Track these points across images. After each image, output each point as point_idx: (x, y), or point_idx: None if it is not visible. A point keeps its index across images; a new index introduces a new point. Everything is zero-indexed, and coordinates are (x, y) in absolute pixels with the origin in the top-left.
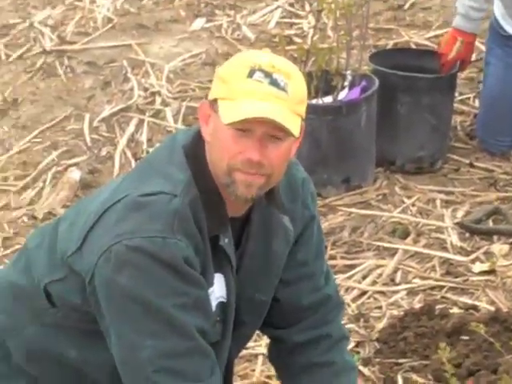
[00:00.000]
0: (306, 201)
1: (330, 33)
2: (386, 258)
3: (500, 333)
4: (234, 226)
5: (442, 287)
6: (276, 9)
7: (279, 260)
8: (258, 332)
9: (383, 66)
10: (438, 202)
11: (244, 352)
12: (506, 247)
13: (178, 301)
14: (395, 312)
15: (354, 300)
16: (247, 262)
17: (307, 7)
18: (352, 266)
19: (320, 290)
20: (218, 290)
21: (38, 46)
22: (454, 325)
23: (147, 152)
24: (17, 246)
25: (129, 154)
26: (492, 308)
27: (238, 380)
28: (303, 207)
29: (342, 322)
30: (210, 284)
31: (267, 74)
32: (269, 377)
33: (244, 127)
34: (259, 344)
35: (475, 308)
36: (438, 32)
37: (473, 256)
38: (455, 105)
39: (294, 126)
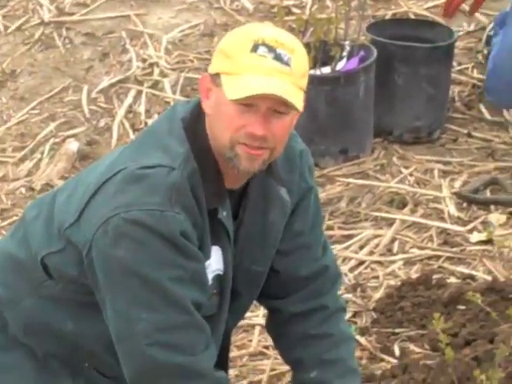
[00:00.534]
0: (303, 172)
1: (328, 3)
2: (384, 228)
3: (497, 302)
4: (231, 199)
5: (439, 257)
6: None
7: (276, 231)
8: (255, 303)
9: (381, 37)
10: (435, 172)
11: (241, 322)
12: (504, 217)
13: (175, 274)
14: (392, 282)
15: (351, 270)
16: (244, 234)
17: None
18: (349, 236)
19: (317, 260)
20: (214, 263)
21: (37, 17)
22: (450, 294)
23: (145, 123)
24: (14, 218)
25: (127, 125)
26: (489, 278)
27: (236, 350)
28: (300, 179)
29: (339, 293)
30: (207, 257)
31: (271, 49)
32: (266, 347)
33: (248, 102)
34: (256, 314)
35: (472, 278)
36: (437, 2)
37: (470, 226)
38: (453, 75)
39: (299, 100)
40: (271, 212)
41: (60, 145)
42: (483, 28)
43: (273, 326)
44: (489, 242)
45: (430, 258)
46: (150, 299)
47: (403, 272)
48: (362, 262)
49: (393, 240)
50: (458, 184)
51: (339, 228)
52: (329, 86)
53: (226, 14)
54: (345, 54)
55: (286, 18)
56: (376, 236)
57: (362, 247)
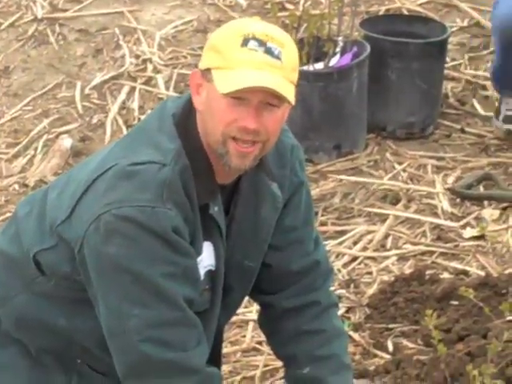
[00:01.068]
0: (294, 167)
1: None
2: (377, 223)
3: (490, 297)
4: (223, 194)
5: (432, 253)
6: None
7: (268, 226)
8: (248, 298)
9: (375, 32)
10: (428, 168)
11: (235, 318)
12: (497, 212)
13: (167, 270)
14: (385, 277)
15: (344, 266)
16: (236, 229)
17: None
18: (343, 232)
19: (309, 255)
20: (206, 259)
21: (30, 13)
22: (444, 290)
23: (139, 119)
24: (8, 214)
25: (120, 121)
26: (482, 273)
27: (229, 346)
28: (292, 174)
29: (332, 288)
30: (199, 253)
31: (261, 43)
32: (259, 343)
33: (240, 96)
34: (250, 310)
35: (465, 273)
36: None
37: (463, 221)
38: (446, 71)
39: (290, 93)
40: (263, 207)
41: (53, 141)
42: (477, 24)
43: (265, 322)
44: (482, 237)
45: (423, 253)
46: (142, 295)
47: (397, 268)
48: (355, 258)
49: (386, 236)
50: (451, 180)
51: (333, 224)
52: (322, 82)
53: (219, 10)
54: (338, 49)
55: (280, 14)
56: (369, 232)
57: (355, 243)
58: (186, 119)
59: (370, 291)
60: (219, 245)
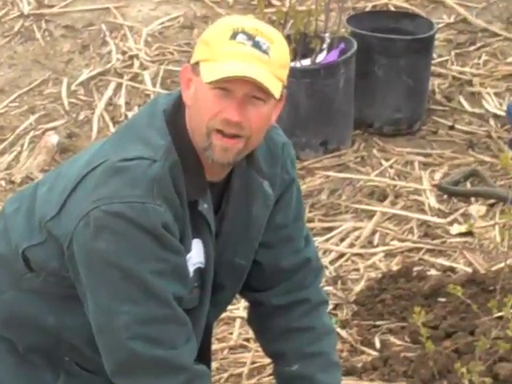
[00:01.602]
0: (285, 165)
1: None
2: (364, 220)
3: (477, 294)
4: (213, 191)
5: (419, 249)
6: None
7: (259, 224)
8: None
9: (361, 29)
10: (415, 165)
11: (222, 315)
12: (484, 209)
13: (156, 267)
14: (373, 274)
15: (331, 262)
16: (227, 227)
17: None
18: (330, 229)
19: (300, 252)
20: (195, 256)
21: (16, 9)
22: (431, 287)
23: (125, 116)
24: None
25: (107, 117)
26: (469, 270)
27: (216, 343)
28: (283, 171)
29: (320, 285)
30: (188, 250)
31: (250, 37)
32: (247, 340)
33: (225, 87)
34: (237, 307)
35: (453, 270)
36: None
37: (450, 218)
38: (433, 67)
39: (275, 87)
40: (254, 205)
41: (40, 138)
42: (463, 20)
43: (255, 319)
44: (469, 233)
45: (410, 250)
46: (131, 292)
47: (384, 264)
48: (342, 255)
49: (373, 232)
50: (438, 176)
51: (320, 220)
52: (309, 79)
53: (205, 6)
54: (325, 46)
55: (266, 10)
56: (356, 228)
57: (342, 239)
58: (176, 115)
59: (358, 288)
60: (208, 242)
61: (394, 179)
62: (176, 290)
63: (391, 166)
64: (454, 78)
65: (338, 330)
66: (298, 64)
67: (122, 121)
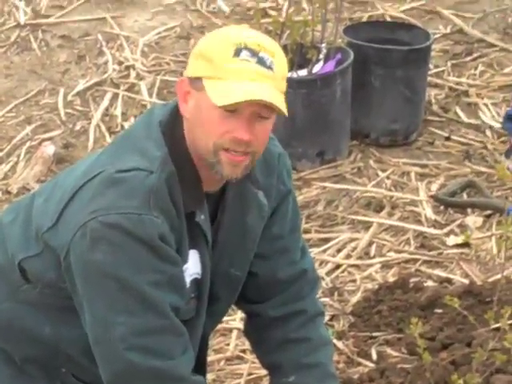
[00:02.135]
0: (281, 176)
1: (305, 5)
2: (361, 231)
3: (474, 306)
4: (209, 202)
5: (416, 260)
6: None
7: (254, 235)
8: (232, 306)
9: (358, 39)
10: (412, 175)
11: (218, 326)
12: (480, 220)
13: (153, 278)
14: (369, 285)
15: (328, 273)
16: (222, 237)
17: None
18: (326, 240)
19: (296, 263)
20: (192, 267)
21: (13, 19)
22: (428, 298)
23: (122, 126)
24: None
25: (103, 128)
26: (466, 281)
27: (213, 354)
28: (279, 182)
29: (317, 297)
30: (185, 261)
31: (254, 53)
32: (243, 351)
33: (233, 108)
34: (233, 318)
35: (449, 281)
36: (413, 4)
37: (447, 229)
38: (429, 78)
39: (283, 105)
40: (249, 215)
41: (36, 148)
42: (460, 30)
43: (251, 331)
44: (466, 245)
45: (407, 261)
46: (128, 303)
47: (380, 275)
48: (339, 266)
49: (370, 243)
50: (434, 187)
51: (316, 231)
52: (305, 89)
53: (202, 16)
54: (321, 56)
55: (263, 21)
56: (353, 239)
57: (339, 250)
58: (172, 127)
59: (354, 299)
60: (205, 253)
61: (390, 190)
62: (173, 301)
63: (388, 177)
64: (450, 88)
65: (335, 341)
66: (294, 74)
67: (118, 131)
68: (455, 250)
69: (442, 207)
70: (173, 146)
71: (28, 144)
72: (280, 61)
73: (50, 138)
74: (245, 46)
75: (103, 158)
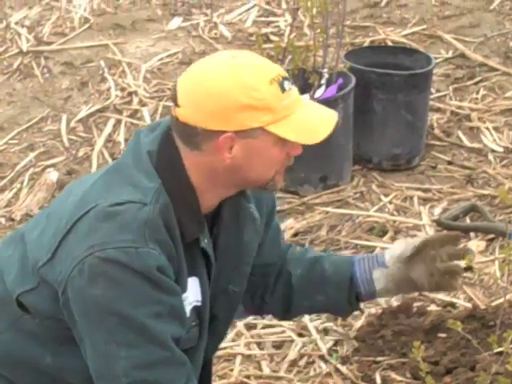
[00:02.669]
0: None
1: (306, 31)
2: None
3: (477, 330)
4: (206, 222)
5: None
6: (253, 7)
7: (251, 250)
8: (236, 330)
9: (360, 64)
10: (415, 200)
11: (222, 352)
12: (483, 244)
13: (153, 310)
14: (373, 310)
15: None
16: (220, 256)
17: (284, 5)
18: None
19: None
20: (192, 295)
21: (15, 46)
22: (431, 322)
23: None
24: None
25: (106, 154)
26: (469, 305)
27: (217, 380)
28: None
29: (320, 321)
30: (184, 289)
31: (287, 79)
32: (247, 376)
33: None
34: (237, 344)
35: (453, 305)
36: (415, 29)
37: None
38: (431, 102)
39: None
40: (245, 231)
41: (39, 174)
42: (461, 55)
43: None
44: (469, 269)
45: None
46: (129, 337)
47: (384, 300)
48: None
49: None
50: (437, 211)
51: None
52: None
53: (204, 42)
54: (323, 81)
55: (265, 46)
56: None
57: None
58: (167, 156)
59: (358, 324)
60: (204, 278)
61: (393, 214)
62: (174, 332)
63: (390, 202)
64: (452, 112)
65: (339, 366)
66: None
67: (111, 163)
68: None
69: (444, 231)
70: (170, 176)
71: (31, 171)
72: None
73: (53, 165)
74: (280, 78)
75: (95, 190)
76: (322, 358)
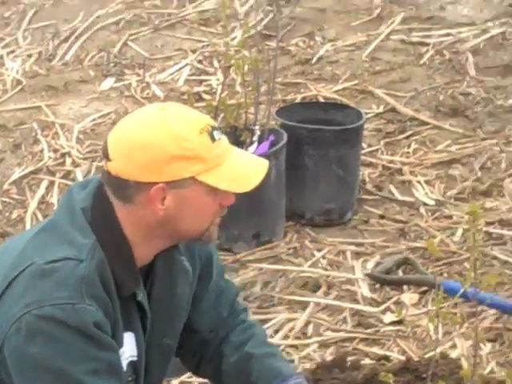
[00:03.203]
0: None
1: (238, 88)
2: (298, 311)
3: (410, 382)
4: (141, 276)
5: (353, 339)
6: (185, 66)
7: (185, 303)
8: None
9: (291, 120)
10: (348, 254)
11: None
12: (416, 296)
13: (91, 367)
14: (307, 365)
15: None
16: (154, 308)
17: (216, 64)
18: (264, 321)
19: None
20: (128, 350)
21: None
22: (365, 376)
23: None
24: None
25: (40, 216)
26: (403, 357)
27: None
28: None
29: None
30: (120, 345)
31: (216, 129)
32: None
33: None
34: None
35: (386, 358)
36: (346, 84)
37: (383, 306)
38: (363, 157)
39: None
40: (178, 284)
41: None
42: (392, 109)
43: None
44: (402, 321)
45: (344, 340)
46: None
47: (318, 355)
48: (277, 347)
49: (307, 323)
50: (370, 265)
51: (254, 313)
52: None
53: (137, 102)
54: (255, 138)
55: (197, 105)
56: (290, 320)
57: (277, 331)
58: (100, 213)
59: None
60: (140, 333)
61: (326, 269)
62: None
63: (324, 257)
64: (384, 167)
65: None
66: None
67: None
68: (392, 328)
69: (378, 285)
70: (104, 232)
71: None
72: None
73: None
74: (210, 128)
75: (31, 248)
76: None
